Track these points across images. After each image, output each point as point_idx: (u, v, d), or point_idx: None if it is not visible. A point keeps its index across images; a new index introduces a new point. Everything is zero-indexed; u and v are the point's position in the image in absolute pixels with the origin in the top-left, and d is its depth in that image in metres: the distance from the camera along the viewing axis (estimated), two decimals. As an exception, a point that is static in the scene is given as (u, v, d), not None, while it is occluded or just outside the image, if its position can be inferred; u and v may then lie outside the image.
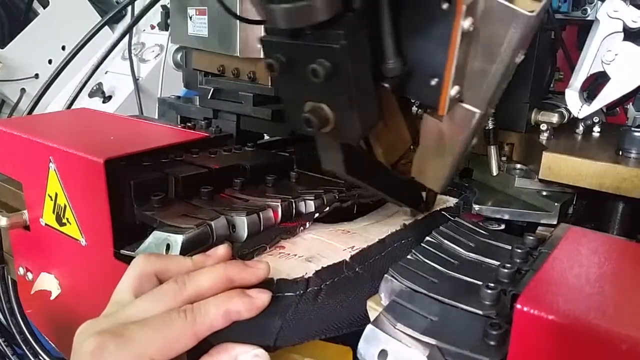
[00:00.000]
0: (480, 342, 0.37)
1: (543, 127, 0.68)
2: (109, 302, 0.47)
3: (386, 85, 0.46)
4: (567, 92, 0.65)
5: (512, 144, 0.72)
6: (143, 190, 0.57)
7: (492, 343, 0.37)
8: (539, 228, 0.62)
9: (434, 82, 0.45)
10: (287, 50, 0.41)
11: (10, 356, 1.00)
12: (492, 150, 0.68)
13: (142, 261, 0.47)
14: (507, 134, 0.72)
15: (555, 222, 0.64)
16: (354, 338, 0.51)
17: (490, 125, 0.68)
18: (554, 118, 0.69)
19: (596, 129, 0.74)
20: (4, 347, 1.00)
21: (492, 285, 0.42)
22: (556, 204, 0.64)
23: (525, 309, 0.32)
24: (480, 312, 0.41)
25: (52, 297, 0.69)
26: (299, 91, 0.43)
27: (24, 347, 0.99)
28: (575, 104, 0.65)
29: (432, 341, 0.38)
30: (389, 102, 0.52)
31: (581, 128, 0.72)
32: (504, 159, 0.72)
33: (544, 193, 0.67)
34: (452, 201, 0.69)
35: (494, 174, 0.69)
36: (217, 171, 0.63)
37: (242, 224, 0.55)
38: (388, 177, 0.56)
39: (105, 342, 0.40)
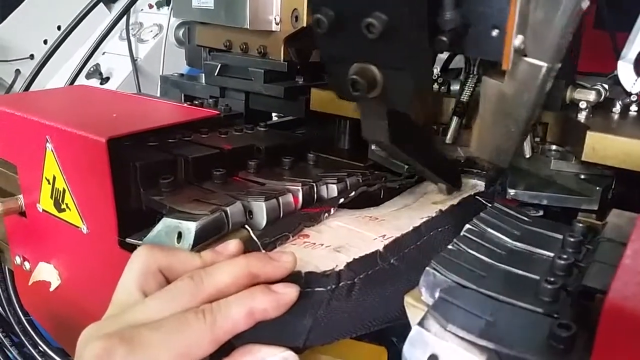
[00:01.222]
0: (545, 346, 0.33)
1: (582, 105, 0.63)
2: (112, 302, 0.42)
3: (444, 38, 0.41)
4: (620, 64, 0.60)
5: (546, 123, 0.67)
6: (150, 173, 0.52)
7: (560, 346, 0.32)
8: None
9: (495, 32, 0.41)
10: (337, 3, 0.38)
11: (9, 347, 0.96)
12: None
13: (146, 255, 0.42)
14: (541, 112, 0.66)
15: (596, 208, 0.59)
16: (386, 334, 0.47)
17: None
18: (591, 96, 0.64)
19: (633, 107, 0.68)
20: (2, 337, 0.95)
21: (552, 279, 0.37)
22: (597, 187, 0.59)
23: (613, 310, 0.27)
24: (540, 310, 0.36)
25: (52, 289, 0.64)
26: (348, 51, 0.40)
27: (22, 337, 0.95)
28: (628, 77, 0.60)
29: (490, 345, 0.33)
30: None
31: (618, 107, 0.67)
32: (537, 140, 0.66)
33: (583, 176, 0.62)
34: (481, 185, 0.64)
35: (527, 155, 0.64)
36: (230, 152, 0.58)
37: (260, 210, 0.49)
38: (429, 149, 0.55)
39: (112, 346, 0.35)
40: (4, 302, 0.95)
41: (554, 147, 0.66)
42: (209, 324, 0.36)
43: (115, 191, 0.50)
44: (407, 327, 0.37)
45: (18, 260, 0.71)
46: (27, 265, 0.70)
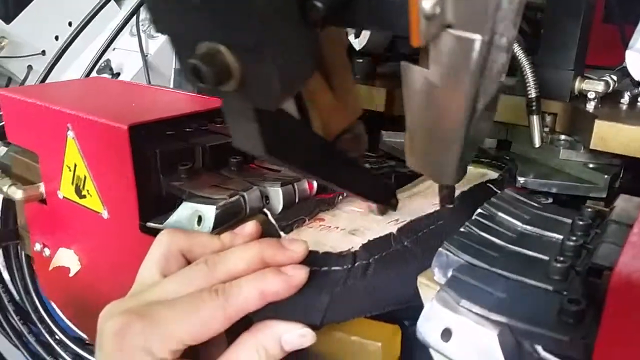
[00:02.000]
0: (555, 320, 0.34)
1: (591, 95, 0.64)
2: (135, 282, 0.44)
3: (317, 3, 0.29)
4: (628, 53, 0.61)
5: (554, 113, 0.68)
6: (170, 160, 0.53)
7: (569, 320, 0.33)
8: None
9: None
10: None
11: (26, 334, 0.98)
12: (535, 120, 0.64)
13: (168, 238, 0.44)
14: (550, 103, 0.67)
15: (604, 196, 0.60)
16: (398, 317, 0.48)
17: (534, 94, 0.64)
18: (600, 86, 0.65)
19: (642, 98, 0.69)
20: (20, 325, 0.97)
21: (561, 259, 0.38)
22: (605, 176, 0.60)
23: (620, 283, 0.29)
24: (550, 287, 0.37)
25: (72, 274, 0.66)
26: (188, 25, 0.29)
27: (39, 325, 0.97)
28: (637, 66, 0.61)
29: (503, 319, 0.34)
30: (332, 45, 0.38)
31: (627, 98, 0.68)
32: (546, 129, 0.68)
33: (591, 165, 0.63)
34: (490, 174, 0.65)
35: (537, 145, 0.65)
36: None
37: (277, 195, 0.51)
38: (345, 164, 0.43)
39: (130, 322, 0.38)
40: (21, 290, 0.97)
41: (562, 137, 0.67)
42: (221, 302, 0.38)
43: (136, 177, 0.52)
44: (419, 310, 0.38)
45: (38, 246, 0.73)
46: (46, 251, 0.71)
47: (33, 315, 0.96)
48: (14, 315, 0.97)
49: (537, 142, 0.65)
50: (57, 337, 0.94)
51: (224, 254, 0.42)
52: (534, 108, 0.64)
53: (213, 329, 0.38)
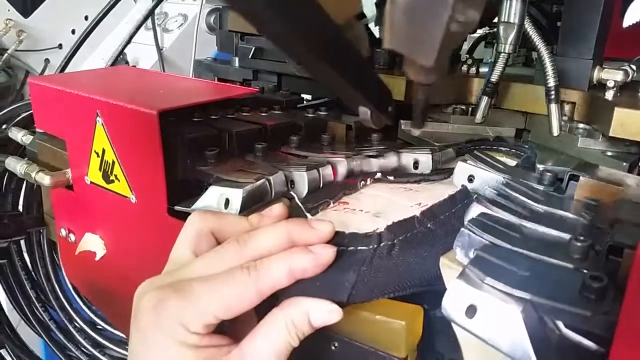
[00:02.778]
0: (578, 296, 0.35)
1: (610, 84, 0.65)
2: (168, 261, 0.45)
3: None
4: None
5: (573, 102, 0.69)
6: (197, 145, 0.55)
7: (591, 297, 0.34)
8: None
9: None
10: None
11: (47, 321, 1.00)
12: (554, 109, 0.65)
13: (199, 219, 0.45)
14: (569, 92, 0.68)
15: (622, 183, 0.61)
16: (419, 302, 0.49)
17: (552, 83, 0.65)
18: (619, 76, 0.66)
19: (659, 88, 0.70)
20: (42, 312, 0.99)
21: (581, 238, 0.39)
22: (624, 163, 0.60)
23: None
24: (570, 266, 0.38)
25: (97, 258, 0.68)
26: None
27: (59, 312, 0.99)
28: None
29: (527, 296, 0.35)
30: None
31: (645, 87, 0.69)
32: (565, 118, 0.68)
33: (609, 153, 0.63)
34: (509, 163, 0.66)
35: (555, 134, 0.66)
36: (272, 128, 0.60)
37: (302, 179, 0.52)
38: (327, 26, 0.38)
39: (166, 297, 0.39)
40: (42, 277, 0.99)
41: (581, 125, 0.67)
42: (253, 279, 0.39)
43: (165, 161, 0.53)
44: (439, 295, 0.39)
45: (63, 232, 0.75)
46: (72, 237, 0.73)
47: (54, 303, 0.98)
48: (36, 303, 1.00)
49: (555, 131, 0.66)
50: (76, 324, 0.97)
51: (253, 233, 0.43)
52: (552, 97, 0.65)
53: (245, 304, 0.39)
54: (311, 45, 0.37)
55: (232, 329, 0.42)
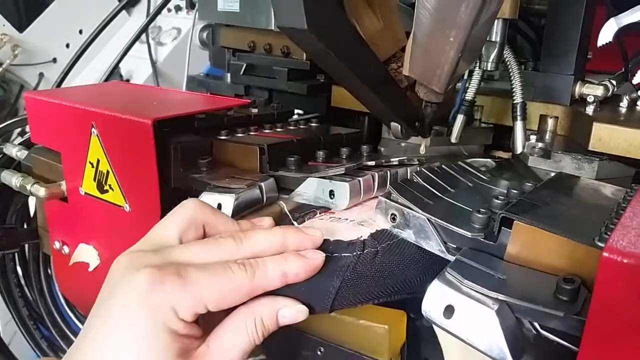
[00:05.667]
0: (552, 298, 0.37)
1: (590, 99, 0.67)
2: (146, 237, 0.45)
3: None
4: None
5: (556, 117, 0.71)
6: (190, 153, 0.57)
7: (564, 298, 0.36)
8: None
9: None
10: None
11: (38, 340, 0.99)
12: (519, 126, 0.65)
13: (195, 206, 0.46)
14: (552, 107, 0.70)
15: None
16: (410, 308, 0.51)
17: (519, 99, 0.65)
18: (599, 91, 0.68)
19: (640, 102, 0.72)
20: (33, 329, 0.99)
21: (483, 210, 0.43)
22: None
23: (612, 256, 0.31)
24: (469, 234, 0.42)
25: (91, 269, 0.69)
26: None
27: (52, 329, 0.98)
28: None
29: (502, 297, 0.37)
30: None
31: (625, 102, 0.71)
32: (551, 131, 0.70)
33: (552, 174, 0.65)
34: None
35: (519, 151, 0.66)
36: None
37: (344, 190, 0.53)
38: (373, 63, 0.47)
39: (163, 278, 0.39)
40: (35, 293, 0.99)
41: (539, 144, 0.67)
42: (249, 276, 0.41)
43: (158, 170, 0.55)
44: (421, 303, 0.41)
45: (57, 245, 0.75)
46: (66, 249, 0.74)
47: (47, 319, 0.98)
48: (28, 322, 0.99)
49: (519, 148, 0.66)
50: (70, 340, 0.97)
51: (250, 233, 0.44)
52: (518, 114, 0.65)
53: (236, 299, 0.41)
54: (364, 79, 0.47)
55: (202, 322, 0.42)
